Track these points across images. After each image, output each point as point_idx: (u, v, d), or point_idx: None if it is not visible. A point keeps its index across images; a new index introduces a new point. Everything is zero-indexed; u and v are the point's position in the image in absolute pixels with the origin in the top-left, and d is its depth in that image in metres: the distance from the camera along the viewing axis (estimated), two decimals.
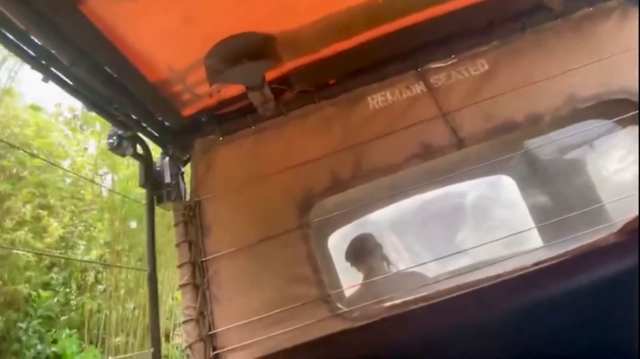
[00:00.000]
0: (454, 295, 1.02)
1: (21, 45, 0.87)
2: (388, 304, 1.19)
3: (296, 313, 1.20)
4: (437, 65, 1.39)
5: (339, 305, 1.26)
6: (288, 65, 1.36)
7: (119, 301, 6.40)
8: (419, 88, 1.39)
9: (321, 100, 1.41)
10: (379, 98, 1.40)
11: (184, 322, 1.24)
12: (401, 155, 1.29)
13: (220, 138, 1.39)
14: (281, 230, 1.28)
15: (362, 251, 1.83)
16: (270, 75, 1.36)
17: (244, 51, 1.12)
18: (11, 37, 0.83)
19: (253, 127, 1.41)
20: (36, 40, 0.89)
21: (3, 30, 0.82)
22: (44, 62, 0.93)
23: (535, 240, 1.64)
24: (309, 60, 1.37)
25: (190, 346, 1.20)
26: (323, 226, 1.49)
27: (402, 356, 1.12)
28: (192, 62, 1.19)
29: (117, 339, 6.13)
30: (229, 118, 1.39)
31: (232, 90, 1.38)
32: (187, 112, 1.35)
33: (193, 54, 1.14)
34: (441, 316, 1.11)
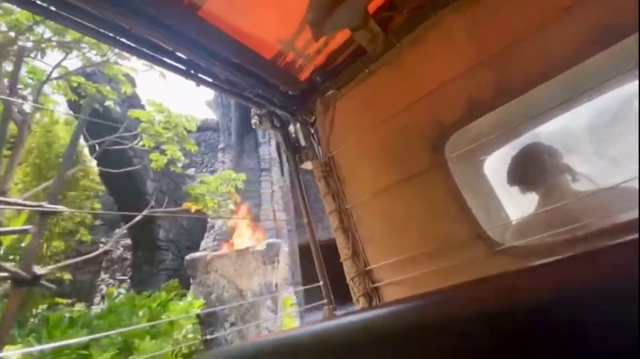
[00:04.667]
0: None
1: (172, 62, 1.12)
2: (576, 234, 0.95)
3: (448, 252, 1.17)
4: None
5: (500, 241, 1.13)
6: None
7: None
8: None
9: (437, 11, 1.17)
10: None
11: (343, 260, 1.43)
12: (568, 47, 0.93)
13: (338, 91, 1.41)
14: (416, 170, 1.23)
15: (532, 167, 1.30)
16: (374, 5, 1.23)
17: None
18: (164, 59, 1.09)
19: (367, 70, 1.34)
20: (180, 55, 1.12)
21: (157, 55, 1.07)
22: (192, 71, 1.17)
23: None
24: None
25: (351, 280, 1.39)
26: (470, 154, 1.28)
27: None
28: (296, 27, 1.22)
29: None
30: (340, 69, 1.37)
31: (339, 38, 1.34)
32: (304, 75, 1.42)
33: (295, 19, 1.16)
34: None
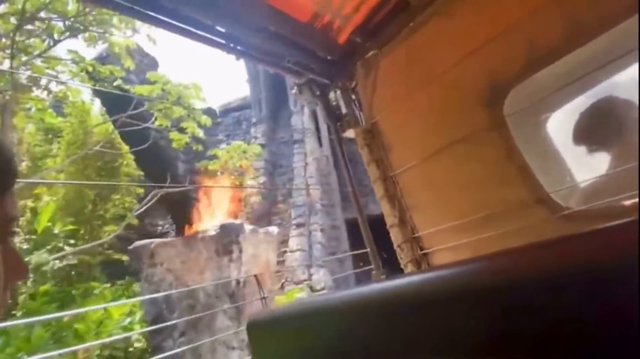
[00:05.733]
0: None
1: (212, 37, 1.09)
2: None
3: (504, 217, 1.12)
4: None
5: (564, 204, 1.06)
6: None
7: None
8: None
9: None
10: None
11: (389, 227, 1.42)
12: None
13: (379, 52, 1.33)
14: (468, 131, 1.16)
15: (605, 123, 1.17)
16: None
17: None
18: (203, 33, 1.07)
19: (411, 24, 1.25)
20: (220, 29, 1.10)
21: (198, 31, 1.05)
22: (231, 44, 1.14)
23: None
24: None
25: (399, 246, 1.39)
26: (531, 111, 1.17)
27: None
28: None
29: None
30: (382, 26, 1.29)
31: None
32: (342, 37, 1.35)
33: None
34: None
